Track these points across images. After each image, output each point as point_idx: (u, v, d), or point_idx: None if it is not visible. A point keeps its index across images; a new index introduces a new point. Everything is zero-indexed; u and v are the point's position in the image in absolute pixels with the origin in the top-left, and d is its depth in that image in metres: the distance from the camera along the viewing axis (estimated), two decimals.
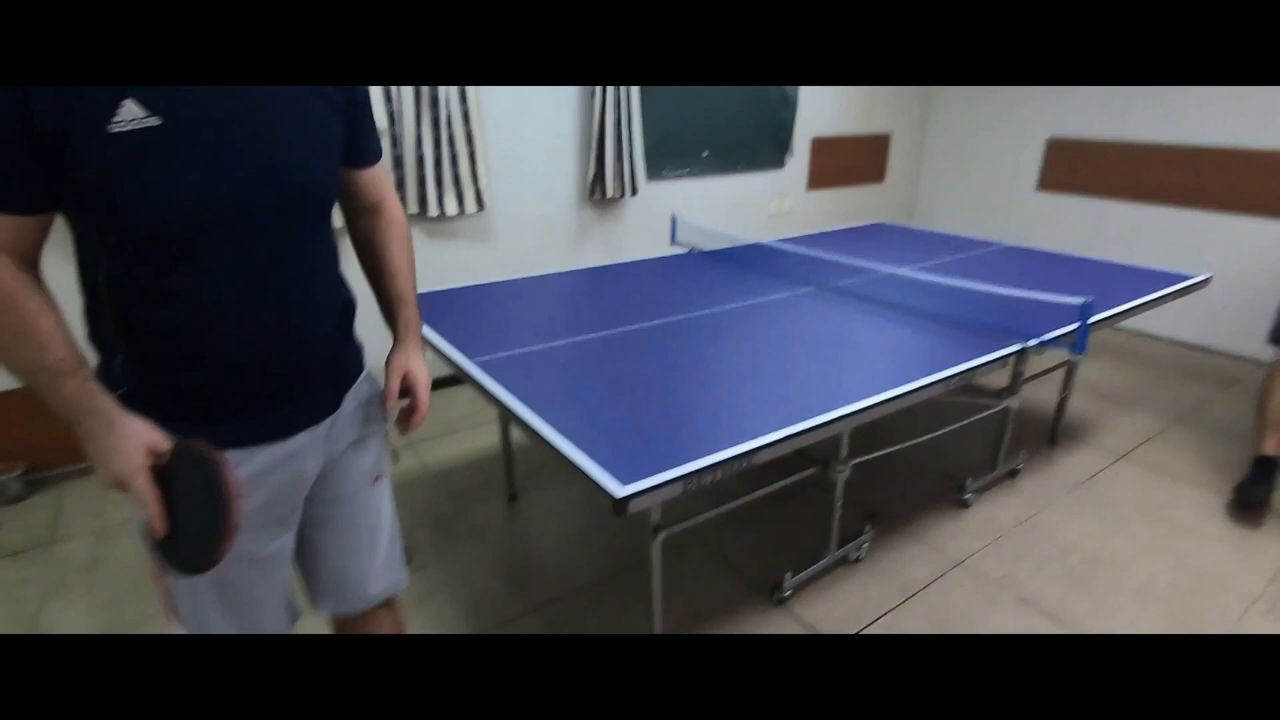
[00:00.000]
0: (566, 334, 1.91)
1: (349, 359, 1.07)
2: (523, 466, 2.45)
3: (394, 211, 1.13)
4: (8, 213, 0.75)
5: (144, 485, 0.79)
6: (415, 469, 2.58)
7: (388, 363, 1.09)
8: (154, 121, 0.75)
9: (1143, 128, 3.69)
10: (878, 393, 1.55)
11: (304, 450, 0.98)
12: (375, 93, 2.61)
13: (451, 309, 2.13)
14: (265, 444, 0.93)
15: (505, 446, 2.35)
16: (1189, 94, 3.50)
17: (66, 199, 0.77)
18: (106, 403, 0.80)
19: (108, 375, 0.86)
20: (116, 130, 0.73)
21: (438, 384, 3.15)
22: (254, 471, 0.92)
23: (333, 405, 1.02)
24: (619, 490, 1.16)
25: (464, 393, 3.10)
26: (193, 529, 0.81)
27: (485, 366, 1.67)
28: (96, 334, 0.88)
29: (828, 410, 1.46)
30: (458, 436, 2.80)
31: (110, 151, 0.73)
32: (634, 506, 1.17)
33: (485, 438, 2.76)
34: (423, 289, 2.30)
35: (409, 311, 1.12)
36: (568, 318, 2.12)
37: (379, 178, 1.09)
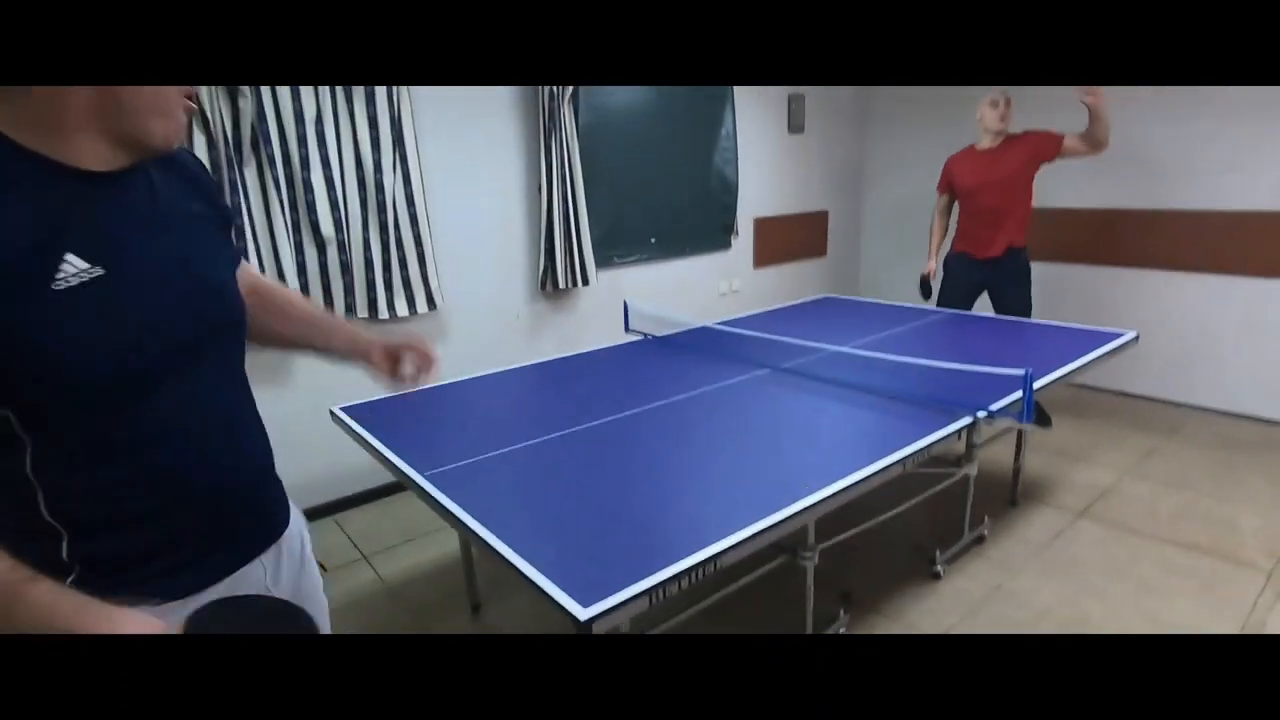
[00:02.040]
0: (523, 437, 1.87)
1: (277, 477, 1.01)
2: (484, 572, 2.35)
3: (271, 282, 1.16)
4: None
5: None
6: (371, 584, 2.45)
7: (363, 348, 1.13)
8: (99, 272, 0.71)
9: (1062, 195, 3.94)
10: (840, 477, 1.54)
11: (254, 572, 0.92)
12: (322, 201, 2.62)
13: (401, 417, 2.08)
14: (225, 578, 0.87)
15: (465, 555, 2.26)
16: (1104, 163, 3.78)
17: None
18: (92, 603, 0.70)
19: (53, 568, 0.74)
20: (62, 287, 0.69)
21: (390, 489, 3.07)
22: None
23: (284, 523, 0.98)
24: (582, 613, 1.11)
25: (412, 499, 2.99)
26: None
27: (437, 480, 1.61)
28: (22, 534, 0.74)
29: (793, 501, 1.44)
30: (414, 544, 2.69)
31: (54, 308, 0.68)
32: (599, 626, 1.12)
33: (443, 544, 2.65)
34: (373, 396, 2.26)
35: (333, 317, 1.19)
36: (524, 418, 2.09)
37: (247, 268, 1.04)
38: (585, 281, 3.44)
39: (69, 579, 0.75)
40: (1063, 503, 2.76)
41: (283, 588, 0.96)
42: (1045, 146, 3.17)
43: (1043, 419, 3.44)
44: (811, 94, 4.49)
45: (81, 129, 0.70)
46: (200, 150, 2.35)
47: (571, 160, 3.27)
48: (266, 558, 0.93)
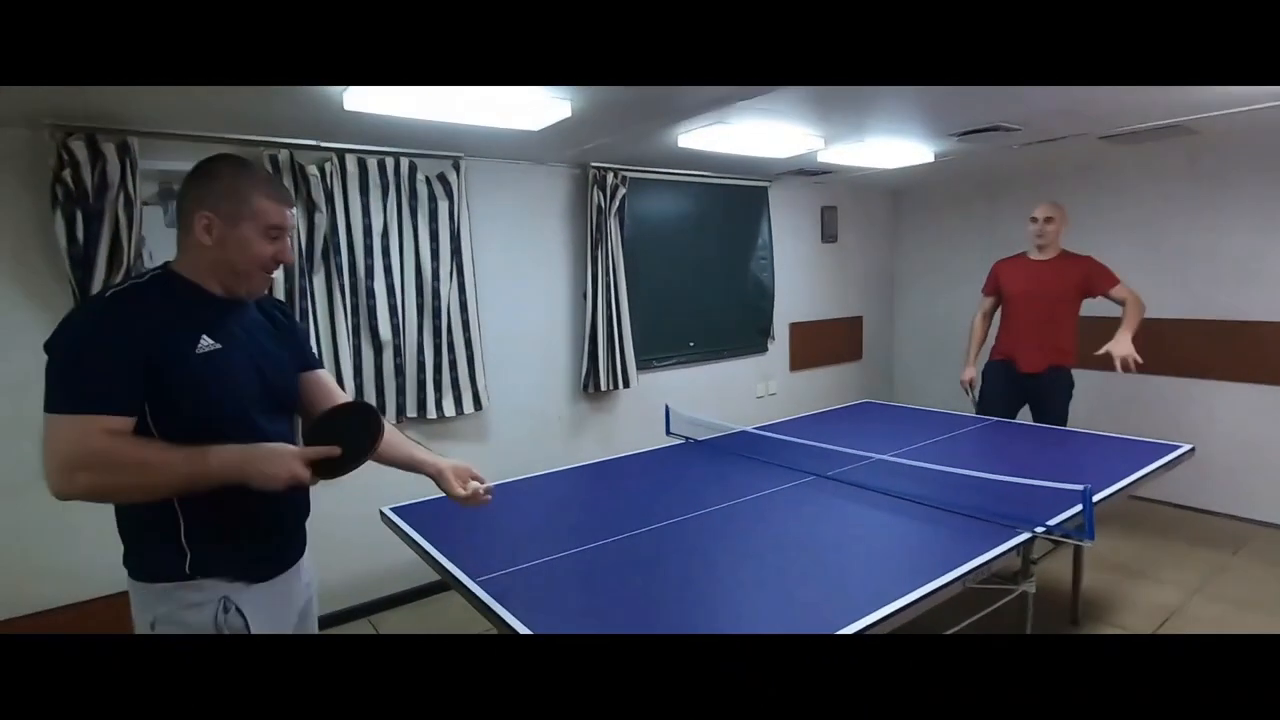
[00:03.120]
0: (568, 544, 1.87)
1: None
2: None
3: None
4: (127, 414, 1.10)
5: (309, 454, 1.17)
6: None
7: (445, 474, 1.47)
8: (219, 346, 1.19)
9: (1103, 303, 3.97)
10: (895, 597, 1.50)
11: (292, 578, 1.36)
12: (382, 307, 2.77)
13: (448, 517, 2.10)
14: (277, 576, 1.30)
15: None
16: (1156, 273, 3.83)
17: (151, 403, 1.12)
18: (251, 449, 1.13)
19: (175, 547, 1.16)
20: (200, 353, 1.16)
21: (424, 592, 3.03)
22: (277, 591, 1.30)
23: (304, 549, 1.41)
24: None
25: (453, 598, 2.95)
26: (350, 447, 1.20)
27: (489, 587, 1.61)
28: (146, 519, 1.16)
29: (850, 621, 1.41)
30: None
31: (192, 367, 1.14)
32: None
33: None
34: (420, 497, 2.29)
35: (417, 447, 1.52)
36: (569, 524, 2.09)
37: (330, 379, 1.49)
38: (626, 384, 3.51)
39: (185, 560, 1.17)
40: (1128, 623, 2.62)
41: (304, 594, 1.40)
42: (1097, 282, 3.16)
43: None
44: (844, 205, 4.68)
45: (216, 278, 1.23)
46: None
47: (616, 269, 3.43)
48: (297, 570, 1.36)
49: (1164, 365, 3.76)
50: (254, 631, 1.21)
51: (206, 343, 1.17)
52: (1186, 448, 2.54)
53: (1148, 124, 2.85)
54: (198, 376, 1.14)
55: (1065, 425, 3.18)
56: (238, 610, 1.21)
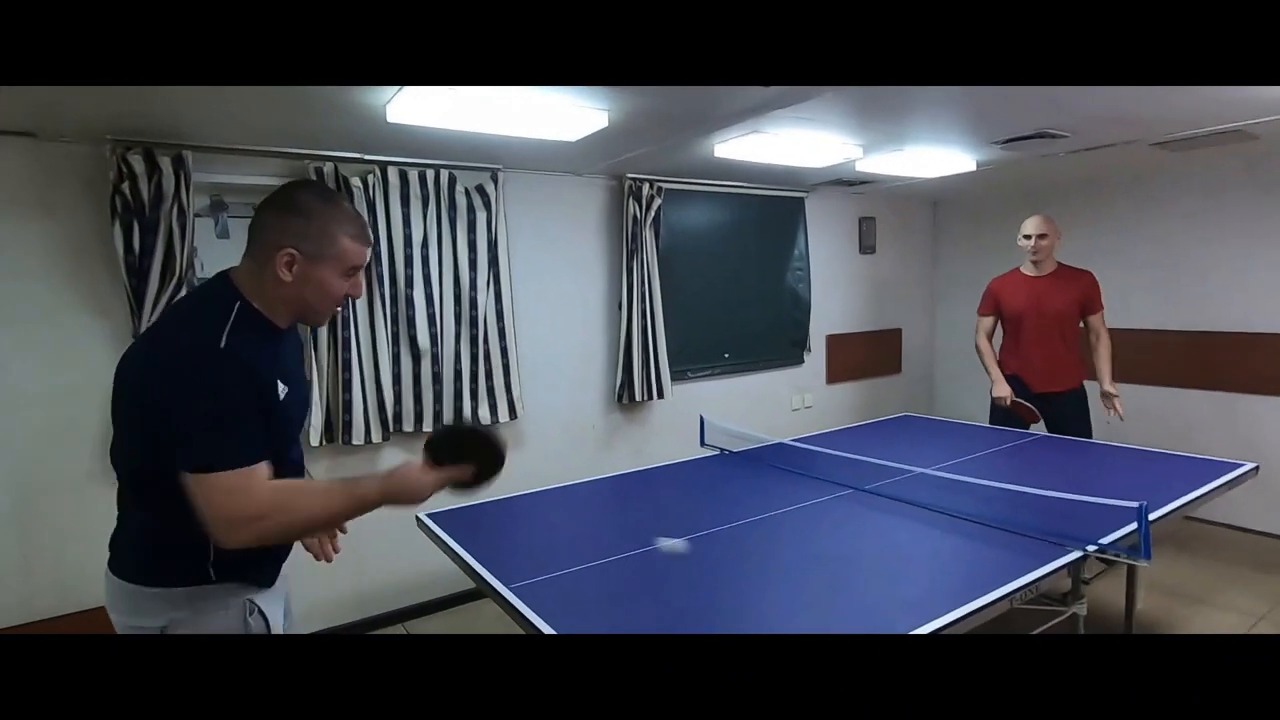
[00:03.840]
0: (603, 553, 1.86)
1: None
2: None
3: None
4: (258, 460, 1.14)
5: (444, 478, 1.24)
6: None
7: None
8: (287, 390, 1.25)
9: (1149, 315, 3.83)
10: (943, 613, 1.45)
11: (282, 580, 1.38)
12: (421, 316, 2.81)
13: (484, 524, 2.11)
14: (277, 580, 1.34)
15: None
16: (1206, 287, 3.69)
17: None
18: (390, 475, 1.22)
19: (203, 555, 1.18)
20: (281, 399, 1.23)
21: (458, 599, 3.04)
22: (278, 590, 1.33)
23: None
24: None
25: (490, 607, 2.96)
26: (482, 464, 1.26)
27: (524, 594, 1.61)
28: (174, 531, 1.15)
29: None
30: None
31: (278, 413, 1.21)
32: None
33: None
34: (456, 502, 2.31)
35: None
36: (603, 534, 2.08)
37: None
38: (661, 395, 3.49)
39: (212, 566, 1.20)
40: None
41: (284, 586, 1.39)
42: (1092, 303, 3.13)
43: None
44: (882, 215, 4.61)
45: (286, 312, 1.25)
46: None
47: (651, 280, 3.43)
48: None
49: (1222, 381, 3.61)
50: (268, 629, 1.26)
51: (282, 388, 1.23)
52: (1250, 466, 2.42)
53: (1204, 129, 2.74)
54: (279, 420, 1.22)
55: (1091, 438, 3.11)
56: (260, 612, 1.26)
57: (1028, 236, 3.14)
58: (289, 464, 1.27)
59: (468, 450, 1.24)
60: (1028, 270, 3.22)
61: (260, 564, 1.26)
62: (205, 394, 1.10)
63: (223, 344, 1.13)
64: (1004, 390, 3.18)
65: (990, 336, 3.35)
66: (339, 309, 1.37)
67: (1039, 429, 3.18)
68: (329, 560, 1.52)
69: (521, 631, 1.53)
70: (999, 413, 3.25)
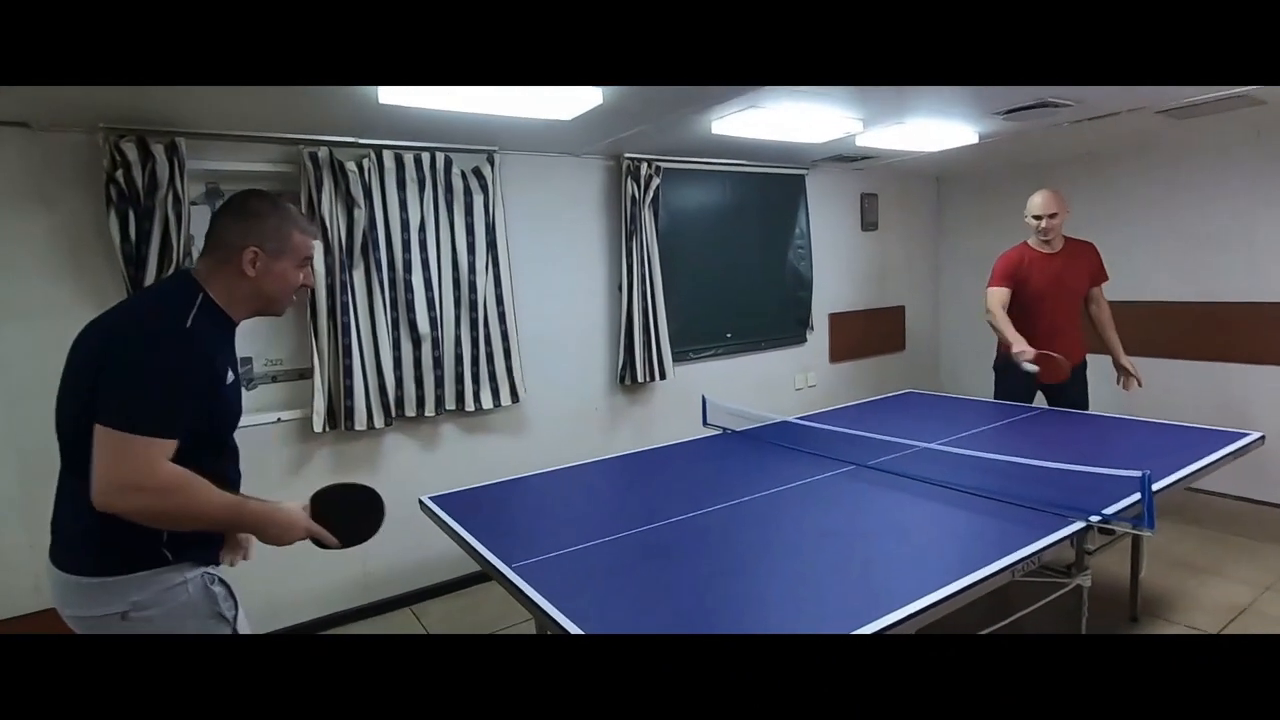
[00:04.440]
0: (605, 532, 1.86)
1: None
2: None
3: None
4: (175, 438, 1.17)
5: (314, 533, 1.35)
6: None
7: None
8: (234, 377, 1.33)
9: (1154, 287, 3.79)
10: (942, 585, 1.45)
11: None
12: (420, 301, 2.80)
13: (486, 507, 2.11)
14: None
15: None
16: (1211, 255, 3.64)
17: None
18: (272, 506, 1.30)
19: (156, 537, 1.21)
20: (228, 383, 1.30)
21: (465, 583, 3.07)
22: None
23: None
24: None
25: (495, 590, 2.98)
26: (352, 525, 1.40)
27: (525, 573, 1.61)
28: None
29: (894, 609, 1.36)
30: None
31: (221, 397, 1.28)
32: None
33: None
34: (458, 485, 2.33)
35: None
36: (606, 514, 2.09)
37: None
38: (663, 376, 3.49)
39: (167, 547, 1.23)
40: (1193, 621, 2.49)
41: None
42: (1098, 276, 3.10)
43: None
44: (884, 191, 4.57)
45: (247, 306, 1.36)
46: (317, 256, 2.58)
47: (651, 260, 3.41)
48: None
49: (1228, 351, 3.57)
50: (236, 598, 1.33)
51: (230, 375, 1.32)
52: (1256, 435, 2.40)
53: (1211, 95, 2.70)
54: (221, 405, 1.29)
55: (1088, 408, 3.11)
56: (220, 580, 1.32)
57: (1037, 217, 3.01)
58: (229, 450, 1.37)
59: (351, 512, 1.39)
60: (1040, 247, 3.08)
61: (206, 542, 1.32)
62: (158, 362, 1.17)
63: (188, 324, 1.23)
64: (1024, 351, 2.86)
65: (1004, 307, 3.07)
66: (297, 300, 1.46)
67: (1039, 402, 3.15)
68: (231, 565, 1.46)
69: (526, 613, 1.54)
70: (1009, 381, 3.16)
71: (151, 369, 1.17)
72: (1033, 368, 2.83)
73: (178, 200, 2.29)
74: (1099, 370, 3.18)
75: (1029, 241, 3.14)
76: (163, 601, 1.23)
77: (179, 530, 1.21)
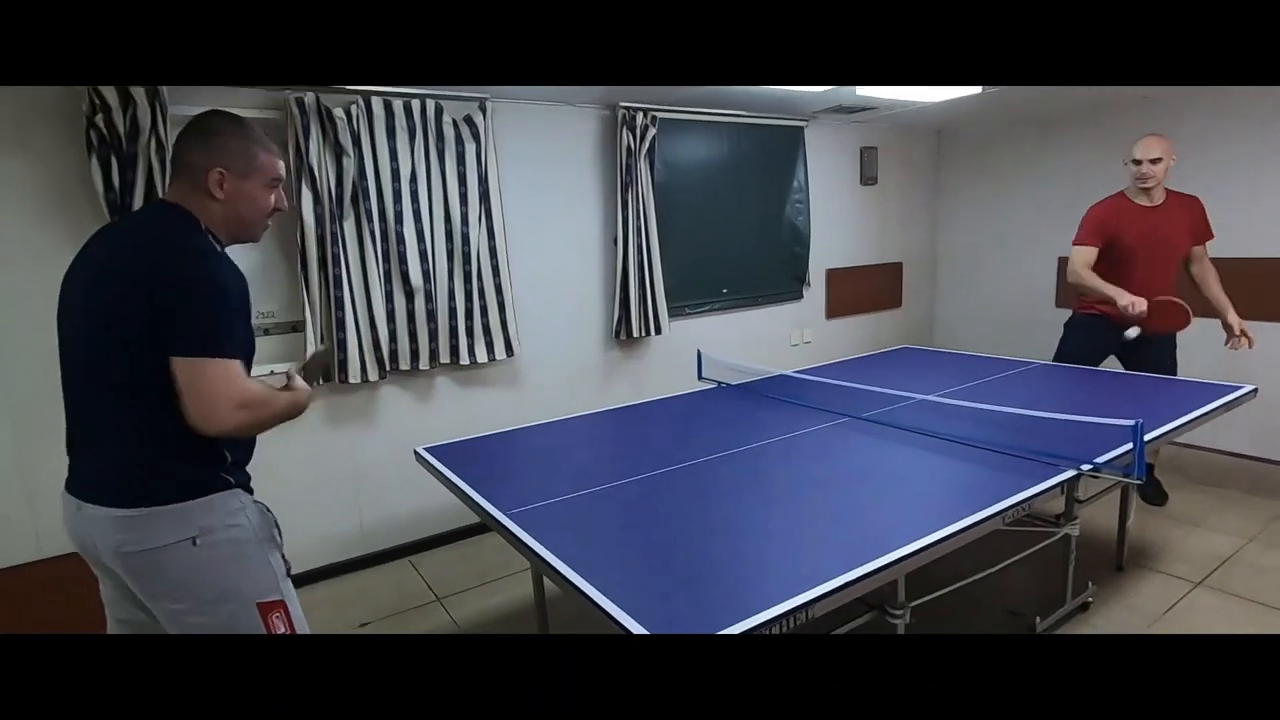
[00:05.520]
0: (600, 480, 1.87)
1: None
2: (556, 620, 2.32)
3: None
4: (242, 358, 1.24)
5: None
6: (445, 626, 2.46)
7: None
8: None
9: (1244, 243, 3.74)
10: (933, 530, 1.47)
11: None
12: (412, 253, 2.76)
13: (481, 457, 2.12)
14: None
15: (539, 601, 2.24)
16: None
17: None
18: (297, 386, 1.36)
19: (219, 463, 1.28)
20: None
21: (463, 534, 3.11)
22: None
23: None
24: None
25: (492, 540, 3.02)
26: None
27: (520, 520, 1.62)
28: (191, 440, 1.21)
29: (884, 552, 1.38)
30: (487, 589, 2.69)
31: (248, 318, 1.31)
32: None
33: (514, 589, 2.65)
34: (454, 436, 2.33)
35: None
36: (600, 463, 2.09)
37: None
38: (658, 331, 3.47)
39: (225, 465, 1.29)
40: (1177, 570, 2.54)
41: None
42: (1201, 233, 2.86)
43: (1158, 495, 3.08)
44: (884, 145, 4.49)
45: (223, 230, 1.33)
46: (306, 205, 2.53)
47: (647, 213, 3.36)
48: None
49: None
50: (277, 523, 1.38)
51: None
52: (1248, 388, 2.41)
53: None
54: (250, 332, 1.33)
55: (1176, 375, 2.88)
56: (268, 509, 1.36)
57: (1137, 161, 2.76)
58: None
59: (317, 373, 1.53)
60: (1138, 199, 2.82)
61: (245, 467, 1.36)
62: (217, 287, 1.20)
63: (219, 249, 1.27)
64: (1133, 298, 2.66)
65: (1090, 266, 2.84)
66: (269, 225, 1.42)
67: (1111, 364, 2.98)
68: None
69: (524, 561, 1.55)
70: (1079, 338, 2.97)
71: (223, 297, 1.20)
72: (1134, 331, 2.68)
73: (161, 147, 2.24)
74: (1204, 336, 2.99)
75: (1125, 190, 2.89)
76: (226, 525, 1.26)
77: (263, 432, 1.27)
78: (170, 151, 2.24)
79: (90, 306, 1.22)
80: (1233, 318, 2.85)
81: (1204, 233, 2.89)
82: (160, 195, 2.24)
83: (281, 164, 1.38)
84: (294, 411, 1.32)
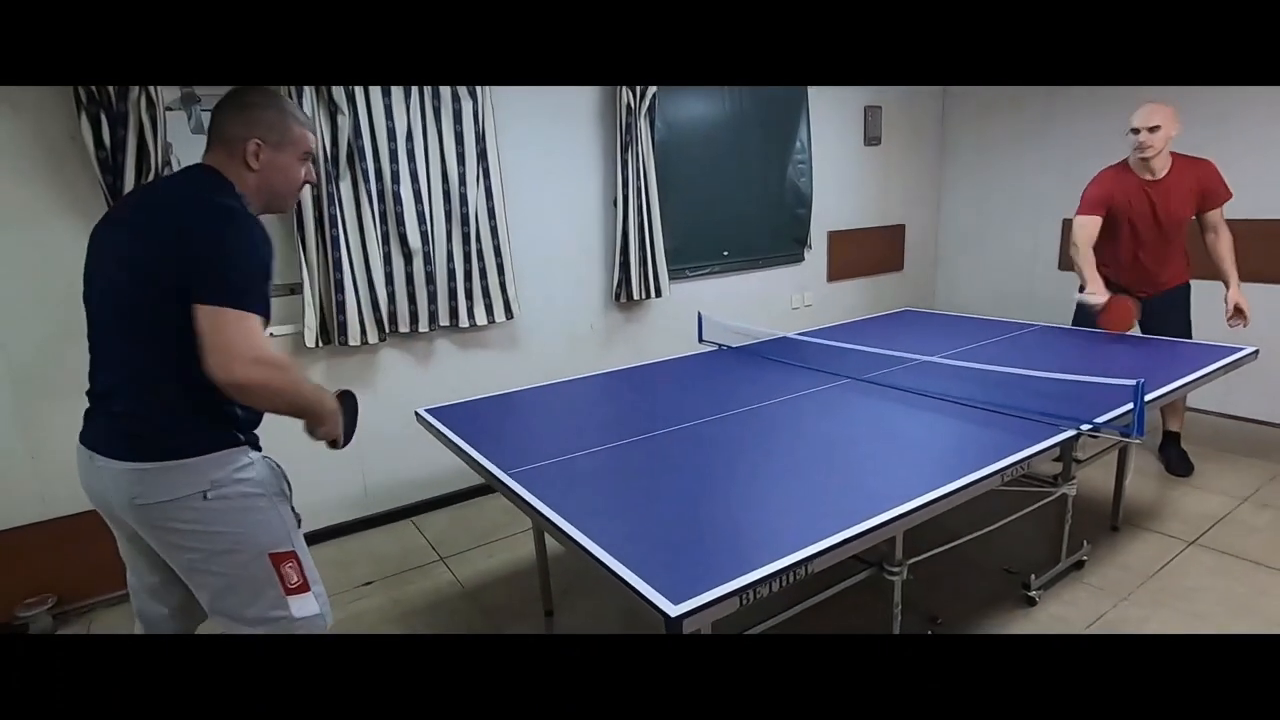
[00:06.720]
0: (601, 441, 1.88)
1: None
2: (558, 579, 2.35)
3: None
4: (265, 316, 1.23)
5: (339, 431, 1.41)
6: (448, 585, 2.50)
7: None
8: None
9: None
10: (931, 488, 1.48)
11: None
12: (410, 214, 2.73)
13: (482, 418, 2.13)
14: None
15: (541, 559, 2.27)
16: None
17: None
18: (334, 403, 1.38)
19: (231, 421, 1.31)
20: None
21: (466, 495, 3.13)
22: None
23: None
24: (672, 609, 1.09)
25: (494, 501, 3.04)
26: (349, 428, 1.44)
27: (521, 478, 1.63)
28: (205, 397, 1.22)
29: (882, 510, 1.39)
30: (489, 548, 2.73)
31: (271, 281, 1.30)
32: (687, 625, 1.10)
33: (518, 549, 2.68)
34: (454, 399, 2.33)
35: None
36: (601, 423, 2.10)
37: None
38: (659, 293, 3.45)
39: (236, 422, 1.32)
40: (1171, 529, 2.57)
41: None
42: (1212, 198, 2.70)
43: (1183, 465, 3.01)
44: (888, 105, 4.41)
45: (256, 200, 1.35)
46: None
47: (647, 174, 3.31)
48: None
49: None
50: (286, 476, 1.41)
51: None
52: (1250, 349, 2.40)
53: None
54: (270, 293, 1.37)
55: (1190, 338, 2.82)
56: (276, 463, 1.38)
57: (1135, 130, 2.63)
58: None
59: (351, 416, 1.45)
60: (1140, 172, 2.72)
61: (255, 429, 1.38)
62: (247, 243, 1.22)
63: (250, 212, 1.29)
64: (1098, 297, 2.69)
65: (1092, 240, 2.77)
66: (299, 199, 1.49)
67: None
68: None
69: (526, 521, 1.57)
70: (1086, 315, 2.89)
71: (253, 253, 1.23)
72: (1095, 301, 2.66)
73: (152, 104, 2.19)
74: (1211, 298, 2.90)
75: (1127, 160, 2.77)
76: (235, 479, 1.28)
77: (276, 409, 1.26)
78: (160, 109, 2.22)
79: (125, 257, 1.25)
80: (1233, 294, 2.73)
81: (1215, 197, 2.73)
82: (152, 153, 2.20)
83: (313, 138, 1.42)
84: (316, 407, 1.32)
